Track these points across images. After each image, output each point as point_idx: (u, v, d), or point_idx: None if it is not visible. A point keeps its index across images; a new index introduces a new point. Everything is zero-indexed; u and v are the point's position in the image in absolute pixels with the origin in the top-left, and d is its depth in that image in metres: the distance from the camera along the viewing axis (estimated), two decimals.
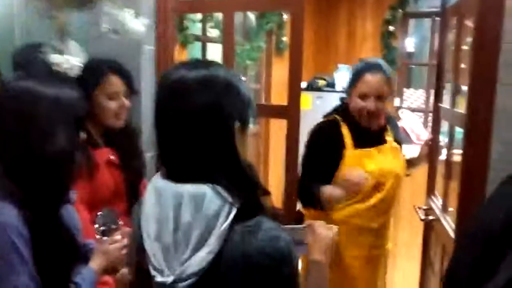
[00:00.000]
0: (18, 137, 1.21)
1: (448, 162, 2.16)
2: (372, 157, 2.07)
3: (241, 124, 0.97)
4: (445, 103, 2.29)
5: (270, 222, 0.93)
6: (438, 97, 2.39)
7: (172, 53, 2.19)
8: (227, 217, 0.89)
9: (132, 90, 1.84)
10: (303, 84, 3.88)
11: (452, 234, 1.84)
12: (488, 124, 1.54)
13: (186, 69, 0.96)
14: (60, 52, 1.59)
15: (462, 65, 2.13)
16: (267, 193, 1.00)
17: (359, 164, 2.04)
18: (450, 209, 2.10)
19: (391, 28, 4.97)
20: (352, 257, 2.11)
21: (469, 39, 2.05)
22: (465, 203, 1.66)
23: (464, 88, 2.04)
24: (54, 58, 1.58)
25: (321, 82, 4.72)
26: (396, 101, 5.21)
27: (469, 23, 2.00)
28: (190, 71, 0.95)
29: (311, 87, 4.67)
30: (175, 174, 0.95)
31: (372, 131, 2.10)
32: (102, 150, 1.79)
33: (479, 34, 1.59)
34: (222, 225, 0.89)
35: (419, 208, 2.38)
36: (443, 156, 2.31)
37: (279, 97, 4.40)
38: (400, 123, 4.59)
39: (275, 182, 4.44)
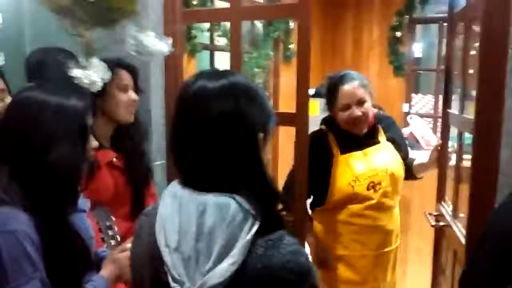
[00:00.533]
0: (22, 144, 1.23)
1: (458, 168, 2.16)
2: (360, 160, 2.13)
3: (264, 134, 0.96)
4: (454, 109, 2.28)
5: (291, 236, 0.93)
6: (446, 103, 2.39)
7: (181, 62, 2.20)
8: (250, 229, 0.89)
9: (137, 87, 1.89)
10: (311, 91, 3.88)
11: (463, 240, 1.83)
12: (497, 129, 1.54)
13: (206, 78, 0.96)
14: (84, 68, 1.61)
15: (471, 71, 2.13)
16: (287, 208, 1.01)
17: (347, 168, 2.10)
18: (461, 215, 2.09)
19: (398, 34, 4.97)
20: (360, 256, 2.15)
21: (476, 44, 2.05)
22: (475, 208, 1.65)
23: (473, 93, 2.04)
24: (76, 72, 1.59)
25: None
26: (405, 107, 5.20)
27: (477, 28, 2.00)
28: (210, 80, 0.95)
29: (319, 94, 4.67)
30: (196, 184, 0.94)
31: (360, 135, 2.16)
32: (106, 152, 1.80)
33: (486, 40, 1.59)
34: (246, 237, 0.88)
35: (430, 214, 2.38)
36: (452, 161, 2.31)
37: (287, 104, 4.41)
38: (408, 129, 4.59)
39: None
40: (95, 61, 1.65)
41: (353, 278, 2.17)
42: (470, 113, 2.00)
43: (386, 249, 2.20)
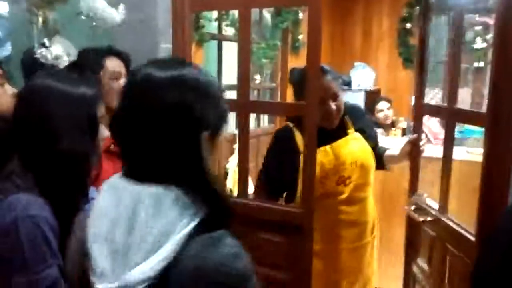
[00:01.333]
0: (30, 131, 1.23)
1: (447, 160, 2.06)
2: (328, 155, 2.08)
3: (211, 132, 0.90)
4: (442, 100, 2.24)
5: (232, 238, 0.85)
6: (420, 95, 2.36)
7: (190, 51, 2.18)
8: (186, 225, 0.82)
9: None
10: None
11: (466, 234, 1.80)
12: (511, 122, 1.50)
13: (155, 67, 0.90)
14: (47, 47, 1.61)
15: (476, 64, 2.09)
16: (231, 214, 0.91)
17: (317, 163, 1.98)
18: (449, 209, 2.06)
19: (408, 25, 4.92)
20: (337, 249, 2.14)
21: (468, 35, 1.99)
22: (487, 204, 1.62)
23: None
24: (39, 52, 1.59)
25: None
26: (413, 100, 5.15)
27: (477, 18, 1.96)
28: (159, 69, 0.89)
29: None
30: (136, 173, 0.89)
31: (326, 129, 2.07)
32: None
33: (501, 32, 1.55)
34: (181, 232, 0.82)
35: (407, 207, 2.33)
36: (431, 153, 2.30)
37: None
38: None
39: None
40: (57, 38, 1.65)
41: (330, 272, 2.15)
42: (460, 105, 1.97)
43: (362, 242, 2.18)
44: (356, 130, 2.18)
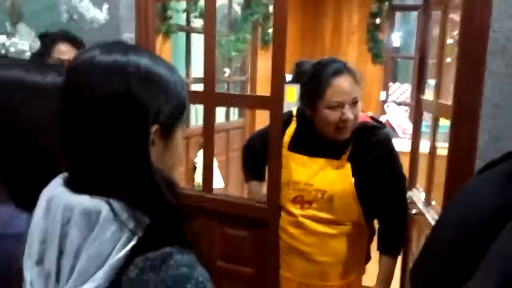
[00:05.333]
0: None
1: (432, 154, 2.12)
2: (302, 166, 1.74)
3: (163, 127, 0.78)
4: (428, 96, 2.27)
5: (183, 255, 0.73)
6: (420, 90, 2.38)
7: (153, 41, 2.12)
8: (124, 246, 0.70)
9: None
10: (289, 77, 3.83)
11: None
12: (476, 113, 1.51)
13: (99, 50, 0.77)
14: (10, 36, 1.50)
15: (448, 59, 2.11)
16: (189, 217, 0.79)
17: (286, 167, 1.77)
18: (433, 202, 2.08)
19: (377, 21, 4.94)
20: (284, 278, 1.83)
21: (452, 32, 2.04)
22: (451, 194, 1.63)
23: (447, 80, 2.05)
24: (1, 41, 1.48)
25: None
26: (382, 95, 5.20)
27: (454, 15, 1.99)
28: (102, 53, 0.76)
29: (297, 80, 4.63)
30: (73, 180, 0.77)
31: (320, 140, 1.73)
32: None
33: (466, 23, 1.55)
34: (116, 255, 0.70)
35: None
36: (424, 149, 2.30)
37: (265, 88, 4.35)
38: (385, 117, 4.59)
39: None
40: (23, 27, 1.53)
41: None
42: (445, 100, 1.98)
43: (317, 282, 1.76)
44: (374, 159, 1.70)
